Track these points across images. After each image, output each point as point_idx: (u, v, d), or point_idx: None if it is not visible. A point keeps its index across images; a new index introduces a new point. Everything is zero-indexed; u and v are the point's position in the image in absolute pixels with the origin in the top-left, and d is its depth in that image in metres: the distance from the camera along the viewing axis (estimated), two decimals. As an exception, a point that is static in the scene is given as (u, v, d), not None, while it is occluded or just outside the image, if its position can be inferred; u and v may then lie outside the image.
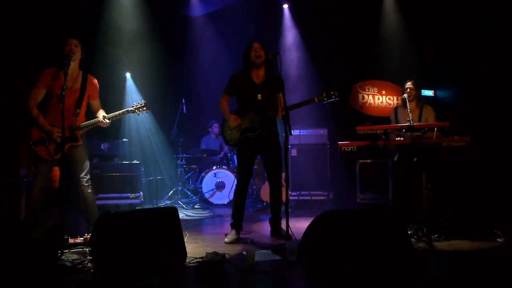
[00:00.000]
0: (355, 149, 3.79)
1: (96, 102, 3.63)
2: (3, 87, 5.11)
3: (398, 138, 3.87)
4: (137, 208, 5.39)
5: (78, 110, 3.46)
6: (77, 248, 3.14)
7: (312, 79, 6.91)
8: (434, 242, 3.33)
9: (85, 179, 3.48)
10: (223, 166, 6.50)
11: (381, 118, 6.22)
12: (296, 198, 5.82)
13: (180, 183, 6.51)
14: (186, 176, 6.91)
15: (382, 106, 6.65)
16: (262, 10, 7.28)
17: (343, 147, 3.79)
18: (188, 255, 2.84)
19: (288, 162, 3.78)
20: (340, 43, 6.65)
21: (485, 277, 2.56)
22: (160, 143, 7.58)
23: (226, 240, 3.60)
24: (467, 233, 3.54)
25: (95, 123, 3.49)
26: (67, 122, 3.34)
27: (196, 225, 4.66)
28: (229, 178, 6.32)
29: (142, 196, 5.77)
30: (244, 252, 2.94)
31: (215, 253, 2.76)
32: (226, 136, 3.84)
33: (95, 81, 3.63)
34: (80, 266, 2.70)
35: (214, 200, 6.31)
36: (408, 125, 3.67)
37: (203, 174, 6.45)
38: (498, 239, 3.44)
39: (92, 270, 2.59)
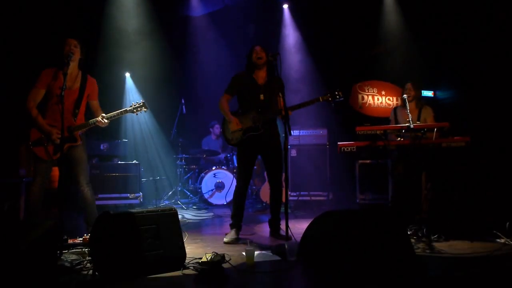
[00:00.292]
0: (354, 150, 3.78)
1: (95, 103, 3.62)
2: (3, 87, 5.10)
3: (398, 139, 3.86)
4: (136, 208, 5.38)
5: (77, 110, 3.46)
6: (76, 248, 3.13)
7: (312, 79, 6.90)
8: (434, 243, 3.34)
9: (84, 179, 3.48)
10: (223, 167, 6.49)
11: (380, 118, 6.22)
12: (295, 198, 5.82)
13: (180, 184, 6.50)
14: (186, 177, 6.90)
15: (382, 107, 6.64)
16: (262, 10, 7.27)
17: (342, 148, 3.79)
18: (187, 256, 2.83)
19: (288, 162, 3.77)
20: (340, 43, 6.65)
21: (485, 277, 2.55)
22: (160, 143, 7.57)
23: (226, 240, 3.60)
24: (467, 234, 3.54)
25: (94, 123, 3.49)
26: (66, 122, 3.33)
27: (195, 226, 4.65)
28: (228, 178, 6.32)
29: (141, 196, 5.77)
30: (244, 253, 2.93)
31: (215, 253, 2.76)
32: (228, 135, 3.83)
33: (95, 81, 3.62)
34: (79, 266, 2.69)
35: (214, 200, 6.30)
36: (407, 125, 3.67)
37: (202, 174, 6.44)
38: (498, 240, 3.43)
39: (91, 271, 2.58)
